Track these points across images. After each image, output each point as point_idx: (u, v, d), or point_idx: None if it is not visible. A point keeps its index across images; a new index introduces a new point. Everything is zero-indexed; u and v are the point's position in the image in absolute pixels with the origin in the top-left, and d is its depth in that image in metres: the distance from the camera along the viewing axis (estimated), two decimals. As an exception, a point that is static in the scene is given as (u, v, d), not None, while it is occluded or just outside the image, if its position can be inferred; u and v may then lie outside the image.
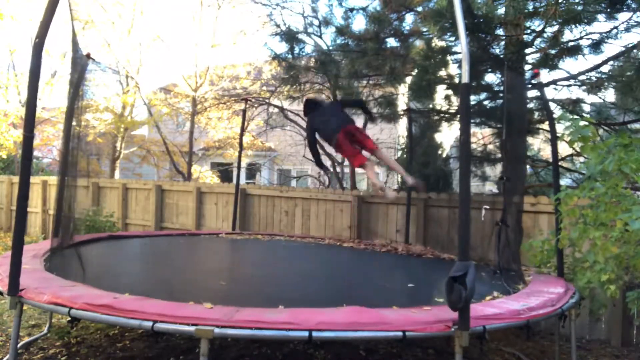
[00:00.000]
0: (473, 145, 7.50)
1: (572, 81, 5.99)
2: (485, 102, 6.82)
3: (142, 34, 13.23)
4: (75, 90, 4.54)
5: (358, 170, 9.86)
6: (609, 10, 4.99)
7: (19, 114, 12.69)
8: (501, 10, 5.42)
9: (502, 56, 5.74)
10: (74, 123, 4.49)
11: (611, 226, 3.20)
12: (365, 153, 5.62)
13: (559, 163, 5.02)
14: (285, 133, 14.02)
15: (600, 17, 5.06)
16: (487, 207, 5.39)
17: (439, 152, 8.85)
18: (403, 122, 8.21)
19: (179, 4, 15.06)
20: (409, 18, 6.73)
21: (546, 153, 10.28)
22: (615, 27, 5.24)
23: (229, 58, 14.49)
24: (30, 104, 3.18)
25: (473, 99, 6.64)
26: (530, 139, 7.97)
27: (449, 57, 6.59)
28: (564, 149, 6.69)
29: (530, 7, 5.28)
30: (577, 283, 3.73)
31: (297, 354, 4.24)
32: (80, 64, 4.58)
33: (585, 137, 3.31)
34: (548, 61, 5.49)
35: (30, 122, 3.18)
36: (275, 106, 10.70)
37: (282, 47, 9.93)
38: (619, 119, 6.49)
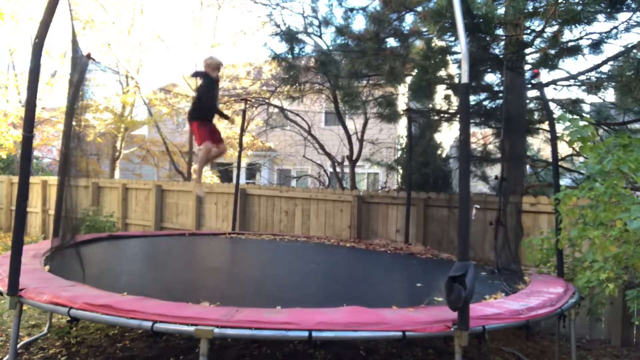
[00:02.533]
0: (473, 145, 7.51)
1: (572, 81, 5.99)
2: (485, 102, 6.82)
3: (142, 34, 13.25)
4: (75, 90, 4.54)
5: (358, 170, 9.88)
6: (609, 10, 4.99)
7: (19, 114, 12.69)
8: (501, 10, 5.42)
9: (502, 56, 5.74)
10: (74, 123, 4.49)
11: (611, 226, 3.20)
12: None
13: (559, 163, 5.02)
14: (285, 133, 14.02)
15: (600, 17, 5.06)
16: (478, 206, 5.38)
17: (439, 152, 8.84)
18: (403, 122, 8.20)
19: (179, 4, 15.08)
20: (409, 18, 6.75)
21: (546, 153, 10.29)
22: (615, 27, 5.25)
23: (229, 58, 14.51)
24: (30, 104, 3.18)
25: (473, 99, 6.64)
26: (530, 139, 7.98)
27: (448, 57, 6.60)
28: (563, 149, 6.69)
29: (530, 7, 5.27)
30: (576, 282, 3.73)
31: (297, 354, 4.24)
32: (80, 64, 4.58)
33: (584, 137, 3.31)
34: (548, 61, 5.49)
35: (29, 122, 3.18)
36: (275, 106, 10.69)
37: (282, 47, 9.92)
38: (618, 119, 6.49)
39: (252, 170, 18.63)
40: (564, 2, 4.78)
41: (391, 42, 6.95)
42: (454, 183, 8.36)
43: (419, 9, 6.01)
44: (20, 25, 12.10)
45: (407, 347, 4.46)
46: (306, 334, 2.68)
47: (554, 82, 6.02)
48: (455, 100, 7.03)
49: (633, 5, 5.01)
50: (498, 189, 4.83)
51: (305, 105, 10.15)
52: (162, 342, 4.34)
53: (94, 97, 12.88)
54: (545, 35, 5.41)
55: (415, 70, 6.41)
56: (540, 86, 4.74)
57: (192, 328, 2.68)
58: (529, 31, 5.71)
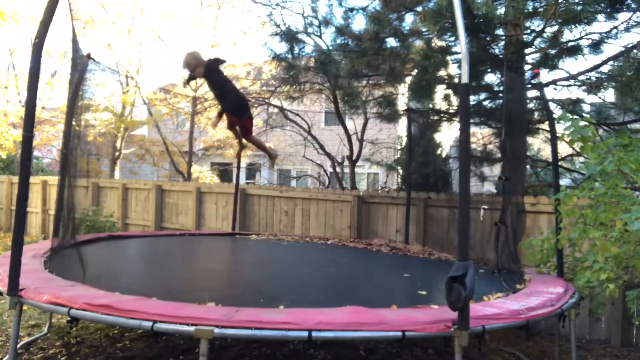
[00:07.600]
0: (473, 145, 7.51)
1: (572, 81, 5.99)
2: (485, 102, 6.82)
3: (142, 34, 13.25)
4: (75, 90, 4.53)
5: (358, 170, 9.89)
6: (609, 10, 4.99)
7: (18, 114, 12.69)
8: (501, 10, 5.42)
9: (502, 56, 5.74)
10: (74, 123, 4.49)
11: (611, 226, 3.20)
12: None
13: (559, 163, 5.02)
14: (285, 133, 14.01)
15: (600, 17, 5.06)
16: (486, 207, 5.40)
17: (439, 151, 8.85)
18: (403, 122, 8.21)
19: (179, 4, 15.08)
20: (409, 18, 6.75)
21: (546, 153, 10.27)
22: (615, 27, 5.25)
23: (228, 58, 14.46)
24: (30, 104, 3.18)
25: (473, 99, 6.64)
26: (530, 139, 7.98)
27: (448, 57, 6.59)
28: (563, 149, 6.68)
29: (530, 7, 5.28)
30: (576, 282, 3.73)
31: (297, 354, 4.24)
32: (80, 64, 4.57)
33: (585, 137, 3.31)
34: (548, 61, 5.49)
35: (29, 122, 3.18)
36: (275, 106, 10.69)
37: (282, 47, 9.89)
38: (618, 119, 6.49)
39: (252, 170, 18.63)
40: (564, 2, 4.78)
41: (391, 42, 6.94)
42: (454, 183, 8.37)
43: (419, 9, 6.01)
44: (20, 25, 12.09)
45: (407, 347, 4.46)
46: (306, 334, 2.67)
47: (554, 82, 6.02)
48: (455, 100, 7.03)
49: (633, 5, 5.02)
50: (501, 189, 4.83)
51: (305, 105, 10.15)
52: (162, 342, 4.34)
53: (94, 97, 12.88)
54: (545, 35, 5.41)
55: (415, 70, 6.41)
56: (540, 86, 4.74)
57: (192, 328, 2.68)
58: (529, 31, 5.72)
